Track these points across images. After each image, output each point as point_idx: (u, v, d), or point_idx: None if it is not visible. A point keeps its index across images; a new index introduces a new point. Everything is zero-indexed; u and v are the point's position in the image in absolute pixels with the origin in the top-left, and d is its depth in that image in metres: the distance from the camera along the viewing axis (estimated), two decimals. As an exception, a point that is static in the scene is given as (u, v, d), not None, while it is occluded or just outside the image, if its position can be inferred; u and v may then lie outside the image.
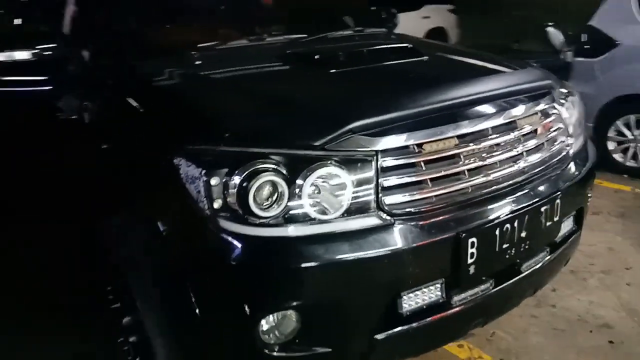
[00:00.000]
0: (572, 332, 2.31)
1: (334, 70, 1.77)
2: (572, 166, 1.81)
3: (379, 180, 1.38)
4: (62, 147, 2.13)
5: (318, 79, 1.75)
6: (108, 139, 1.79)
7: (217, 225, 1.33)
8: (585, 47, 4.29)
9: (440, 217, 1.44)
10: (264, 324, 1.34)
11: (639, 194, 3.80)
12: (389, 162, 1.40)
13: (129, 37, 2.20)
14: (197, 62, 2.00)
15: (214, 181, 1.32)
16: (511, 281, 1.62)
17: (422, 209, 1.43)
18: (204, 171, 1.34)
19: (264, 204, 1.32)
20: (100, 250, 1.73)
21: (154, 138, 1.56)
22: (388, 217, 1.38)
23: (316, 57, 1.84)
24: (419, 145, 1.44)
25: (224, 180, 1.32)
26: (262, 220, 1.32)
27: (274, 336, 1.36)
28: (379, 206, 1.38)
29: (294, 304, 1.33)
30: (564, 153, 1.79)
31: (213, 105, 1.56)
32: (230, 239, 1.31)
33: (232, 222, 1.32)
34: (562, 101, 1.86)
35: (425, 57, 1.99)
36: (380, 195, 1.38)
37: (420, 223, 1.41)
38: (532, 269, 1.68)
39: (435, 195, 1.44)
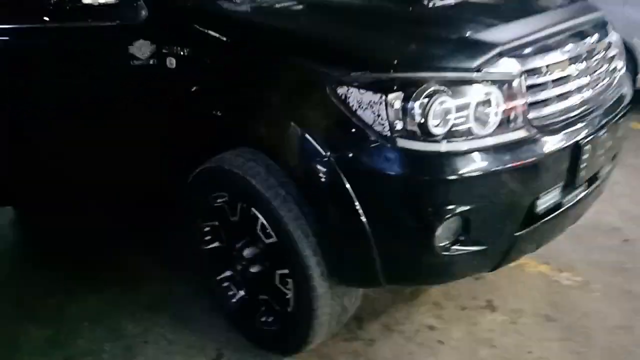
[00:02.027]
0: (591, 236, 2.73)
1: (439, 4, 1.91)
2: (626, 87, 2.12)
3: (526, 98, 1.58)
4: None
5: (443, 11, 1.90)
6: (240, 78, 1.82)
7: (397, 144, 1.47)
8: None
9: (566, 129, 1.68)
10: (440, 228, 1.52)
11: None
12: (531, 81, 1.60)
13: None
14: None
15: (396, 105, 1.45)
16: (594, 185, 1.93)
17: (554, 122, 1.66)
18: (382, 96, 1.46)
19: (437, 123, 1.47)
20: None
21: (306, 71, 1.63)
22: (534, 130, 1.60)
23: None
24: (547, 66, 1.65)
25: (402, 103, 1.45)
26: (436, 137, 1.48)
27: (443, 238, 1.54)
28: (526, 120, 1.59)
29: (464, 208, 1.52)
30: (622, 75, 2.10)
31: (370, 38, 1.66)
32: (412, 156, 1.47)
33: (411, 141, 1.47)
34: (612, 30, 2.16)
35: None
36: (526, 110, 1.59)
37: (555, 134, 1.65)
38: (603, 176, 1.99)
39: (560, 110, 1.68)
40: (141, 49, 2.06)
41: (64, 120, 2.21)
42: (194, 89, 1.96)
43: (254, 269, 1.97)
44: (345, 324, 2.02)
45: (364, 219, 1.54)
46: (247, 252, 1.97)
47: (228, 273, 2.12)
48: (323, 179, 1.57)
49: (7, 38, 2.18)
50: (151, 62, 2.04)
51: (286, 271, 1.84)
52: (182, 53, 1.97)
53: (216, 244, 2.12)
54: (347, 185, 1.53)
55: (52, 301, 2.41)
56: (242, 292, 2.11)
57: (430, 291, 2.36)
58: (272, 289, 1.93)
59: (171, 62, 1.99)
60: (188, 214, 2.12)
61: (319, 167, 1.57)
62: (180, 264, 2.52)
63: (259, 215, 1.80)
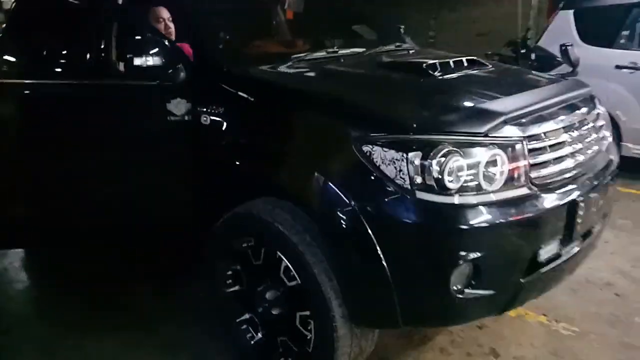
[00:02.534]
0: (586, 290, 2.89)
1: (446, 76, 2.17)
2: (613, 154, 2.36)
3: (527, 160, 1.80)
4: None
5: (451, 82, 2.14)
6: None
7: (416, 196, 1.67)
8: (535, 64, 5.08)
9: (563, 188, 1.90)
10: (454, 272, 1.69)
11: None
12: (531, 145, 1.83)
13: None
14: (331, 67, 2.31)
15: (415, 162, 1.66)
16: (589, 239, 2.12)
17: (552, 181, 1.88)
18: (404, 154, 1.67)
19: (451, 179, 1.68)
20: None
21: (335, 130, 1.85)
22: (535, 188, 1.81)
23: (424, 65, 2.22)
24: (544, 133, 1.89)
25: (421, 161, 1.66)
26: (450, 191, 1.68)
27: (457, 282, 1.71)
28: (528, 179, 1.80)
29: (476, 255, 1.70)
30: (609, 143, 2.34)
31: (392, 103, 1.91)
32: (429, 207, 1.67)
33: (429, 193, 1.68)
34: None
35: (491, 67, 2.46)
36: (528, 171, 1.80)
37: (553, 192, 1.86)
38: (596, 233, 2.19)
39: (557, 171, 1.90)
40: (178, 106, 2.29)
41: (105, 168, 2.41)
42: (225, 143, 2.19)
43: (275, 311, 2.11)
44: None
45: (384, 263, 1.71)
46: (269, 295, 2.11)
47: (247, 316, 2.24)
48: (347, 226, 1.75)
49: (56, 91, 2.41)
50: (186, 118, 2.27)
51: (307, 313, 1.98)
52: (216, 111, 2.20)
53: (237, 287, 2.26)
54: (370, 232, 1.71)
55: (70, 342, 2.51)
56: (260, 334, 2.23)
57: (437, 338, 2.49)
58: (292, 331, 2.06)
59: (205, 119, 2.21)
60: (212, 258, 2.27)
61: (344, 215, 1.76)
62: (195, 307, 2.64)
63: (284, 259, 1.96)
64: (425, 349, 2.43)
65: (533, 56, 5.11)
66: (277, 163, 2.02)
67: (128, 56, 2.22)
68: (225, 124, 2.18)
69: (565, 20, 5.10)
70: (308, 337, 2.00)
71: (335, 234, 1.80)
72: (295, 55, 2.46)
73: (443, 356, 2.40)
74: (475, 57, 2.51)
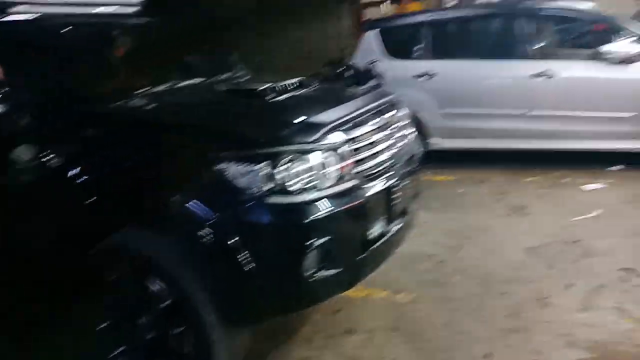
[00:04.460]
0: (414, 263, 3.48)
1: (279, 98, 2.49)
2: (417, 147, 2.94)
3: (352, 158, 2.22)
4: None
5: (275, 102, 2.46)
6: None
7: (267, 201, 1.98)
8: (352, 79, 5.76)
9: (380, 177, 2.36)
10: (306, 259, 2.01)
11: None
12: (353, 146, 2.26)
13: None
14: (178, 98, 2.51)
15: (264, 171, 1.97)
16: (407, 217, 2.63)
17: (372, 173, 2.32)
18: (253, 166, 1.96)
19: (293, 182, 2.02)
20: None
21: (189, 156, 2.07)
22: (360, 180, 2.23)
23: (259, 90, 2.52)
24: (363, 135, 2.33)
25: (268, 170, 1.97)
26: (294, 193, 2.02)
27: (310, 267, 2.04)
28: (354, 174, 2.21)
29: (321, 241, 2.04)
30: (413, 138, 2.92)
31: (235, 125, 2.18)
32: (278, 208, 1.99)
33: (277, 197, 1.99)
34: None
35: (315, 85, 2.88)
36: (354, 167, 2.22)
37: (375, 182, 2.31)
38: (412, 211, 2.72)
39: (375, 164, 2.36)
40: (24, 153, 2.27)
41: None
42: (86, 179, 2.21)
43: (150, 335, 2.18)
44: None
45: (249, 263, 1.97)
46: (142, 321, 2.19)
47: (122, 348, 2.25)
48: (214, 238, 1.98)
49: None
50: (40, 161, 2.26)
51: (182, 328, 2.12)
52: (70, 150, 2.24)
53: (107, 322, 2.25)
54: (234, 239, 1.97)
55: None
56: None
57: (302, 330, 2.81)
58: (169, 349, 2.17)
59: (58, 160, 2.23)
60: (80, 295, 2.27)
61: (209, 228, 1.98)
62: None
63: (156, 281, 2.09)
64: (292, 341, 2.74)
65: (351, 72, 5.81)
66: (143, 192, 2.15)
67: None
68: (82, 161, 2.22)
69: (373, 39, 5.90)
70: (186, 351, 2.14)
71: (203, 247, 2.00)
72: (140, 90, 2.60)
73: (309, 343, 2.72)
74: (301, 79, 2.90)
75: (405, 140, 2.77)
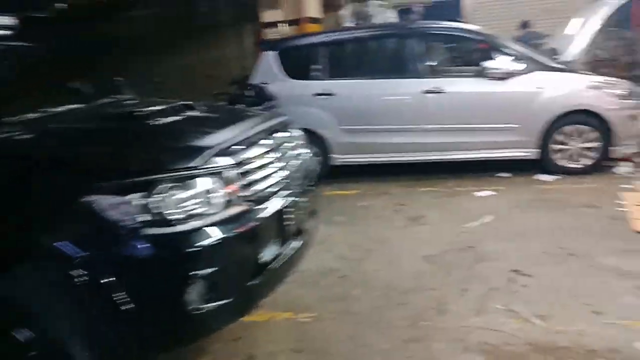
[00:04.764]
0: (317, 279, 3.47)
1: (154, 122, 2.38)
2: (312, 165, 2.95)
3: (239, 182, 2.16)
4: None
5: (158, 127, 2.35)
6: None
7: (143, 233, 1.85)
8: (252, 99, 5.74)
9: (271, 199, 2.32)
10: (188, 292, 1.91)
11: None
12: (242, 169, 2.20)
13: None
14: (51, 125, 2.32)
15: (137, 202, 1.85)
16: (303, 236, 2.61)
17: (262, 196, 2.28)
18: (125, 198, 1.84)
19: (171, 211, 1.92)
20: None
21: (56, 191, 1.90)
22: (249, 203, 2.17)
23: (138, 114, 2.41)
24: (252, 157, 2.29)
25: (141, 201, 1.86)
26: (172, 222, 1.92)
27: (194, 300, 1.94)
28: (242, 198, 2.16)
29: (207, 272, 1.95)
30: (307, 157, 2.92)
31: (107, 153, 2.03)
32: (156, 240, 1.87)
33: (154, 228, 1.88)
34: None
35: (203, 107, 2.81)
36: (242, 190, 2.16)
37: (264, 205, 2.26)
38: (309, 230, 2.72)
39: (265, 187, 2.32)
40: None
41: None
42: None
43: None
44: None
45: (125, 302, 1.84)
46: None
47: None
48: (84, 277, 1.83)
49: None
50: None
51: None
52: None
53: None
54: (107, 277, 1.83)
55: None
56: None
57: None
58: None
59: None
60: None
61: (79, 268, 1.82)
62: None
63: (23, 330, 1.89)
64: (190, 373, 2.62)
65: (251, 92, 5.79)
66: (3, 233, 1.95)
67: None
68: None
69: (271, 60, 5.92)
70: None
71: (76, 289, 1.84)
72: (8, 119, 2.37)
73: (208, 373, 2.62)
74: (189, 102, 2.82)
75: (299, 161, 2.77)
